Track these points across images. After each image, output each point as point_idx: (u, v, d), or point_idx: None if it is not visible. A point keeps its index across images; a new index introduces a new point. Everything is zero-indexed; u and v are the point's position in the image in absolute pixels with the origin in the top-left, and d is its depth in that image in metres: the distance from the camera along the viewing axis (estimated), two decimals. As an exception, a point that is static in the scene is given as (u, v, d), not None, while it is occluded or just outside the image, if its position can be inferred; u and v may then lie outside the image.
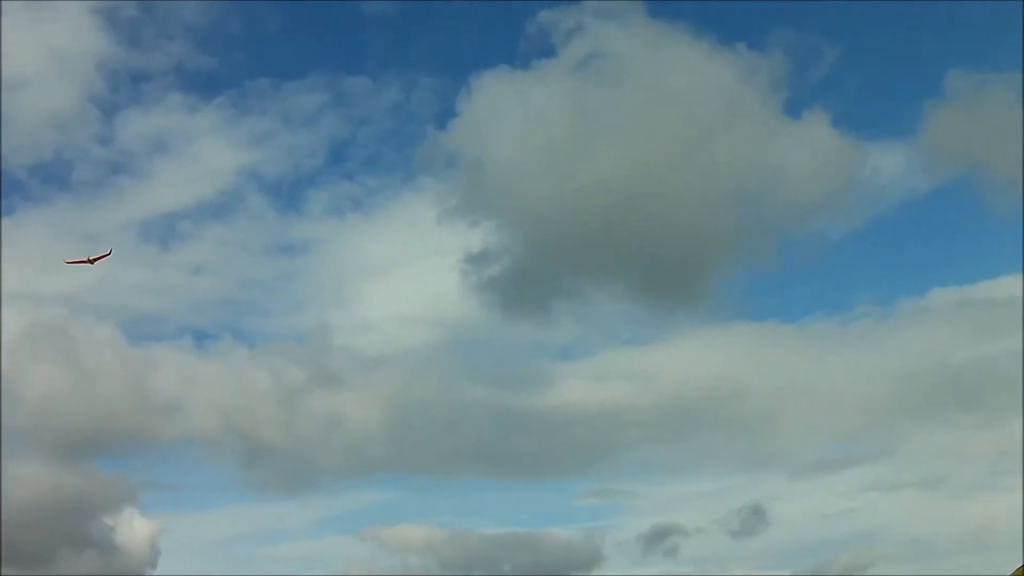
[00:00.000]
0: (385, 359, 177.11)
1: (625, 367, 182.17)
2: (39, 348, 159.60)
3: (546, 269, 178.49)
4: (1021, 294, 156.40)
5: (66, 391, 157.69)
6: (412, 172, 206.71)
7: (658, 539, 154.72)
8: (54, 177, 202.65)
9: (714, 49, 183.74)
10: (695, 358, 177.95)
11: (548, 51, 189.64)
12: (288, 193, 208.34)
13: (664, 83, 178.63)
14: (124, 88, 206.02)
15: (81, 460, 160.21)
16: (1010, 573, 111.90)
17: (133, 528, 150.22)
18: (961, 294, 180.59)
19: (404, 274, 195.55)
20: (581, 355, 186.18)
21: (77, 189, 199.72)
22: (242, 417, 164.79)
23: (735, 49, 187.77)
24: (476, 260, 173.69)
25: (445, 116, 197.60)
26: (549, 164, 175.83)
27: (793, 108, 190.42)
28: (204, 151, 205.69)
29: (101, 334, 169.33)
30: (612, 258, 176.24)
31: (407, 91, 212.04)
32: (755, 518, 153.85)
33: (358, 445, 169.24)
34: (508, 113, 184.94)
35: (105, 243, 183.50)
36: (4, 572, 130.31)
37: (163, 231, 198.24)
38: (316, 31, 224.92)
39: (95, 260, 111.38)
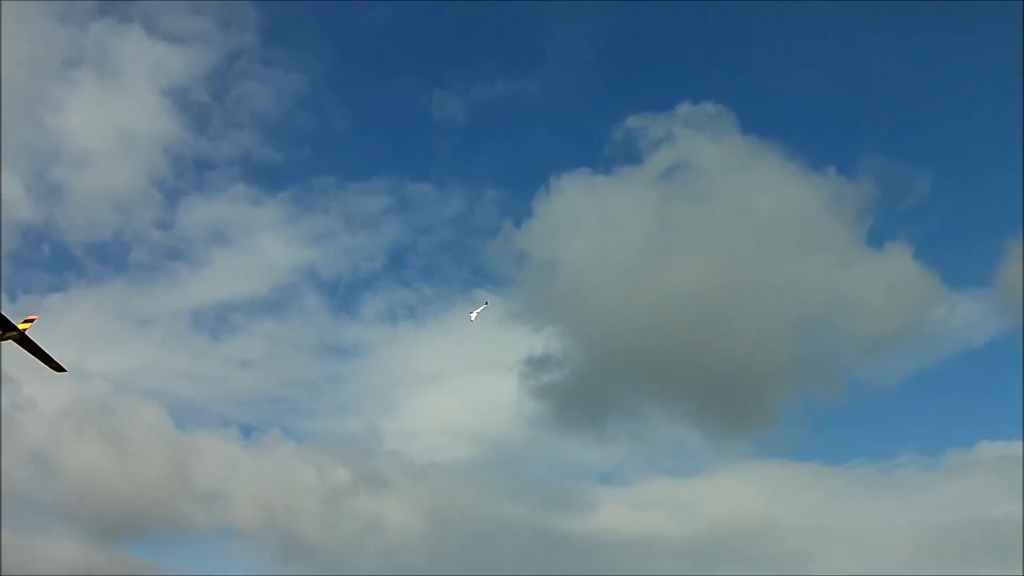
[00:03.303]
0: (431, 467, 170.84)
1: (665, 496, 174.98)
2: (83, 424, 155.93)
3: (605, 381, 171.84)
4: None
5: (106, 469, 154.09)
6: (469, 284, 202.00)
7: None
8: (110, 257, 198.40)
9: (803, 171, 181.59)
10: (735, 492, 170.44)
11: (633, 157, 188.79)
12: (343, 295, 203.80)
13: (748, 201, 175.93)
14: (188, 174, 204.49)
15: (112, 541, 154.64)
16: None
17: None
18: (1009, 449, 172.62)
19: (454, 385, 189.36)
20: (624, 481, 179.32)
21: (132, 271, 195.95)
22: (282, 512, 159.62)
23: (825, 173, 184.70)
24: (536, 364, 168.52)
25: (519, 218, 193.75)
26: (621, 273, 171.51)
27: (876, 238, 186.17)
28: (263, 245, 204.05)
29: (146, 415, 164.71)
30: (673, 376, 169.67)
31: (471, 202, 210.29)
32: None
33: (395, 551, 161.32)
34: (585, 217, 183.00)
35: (156, 328, 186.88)
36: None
37: (215, 321, 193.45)
38: (385, 133, 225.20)
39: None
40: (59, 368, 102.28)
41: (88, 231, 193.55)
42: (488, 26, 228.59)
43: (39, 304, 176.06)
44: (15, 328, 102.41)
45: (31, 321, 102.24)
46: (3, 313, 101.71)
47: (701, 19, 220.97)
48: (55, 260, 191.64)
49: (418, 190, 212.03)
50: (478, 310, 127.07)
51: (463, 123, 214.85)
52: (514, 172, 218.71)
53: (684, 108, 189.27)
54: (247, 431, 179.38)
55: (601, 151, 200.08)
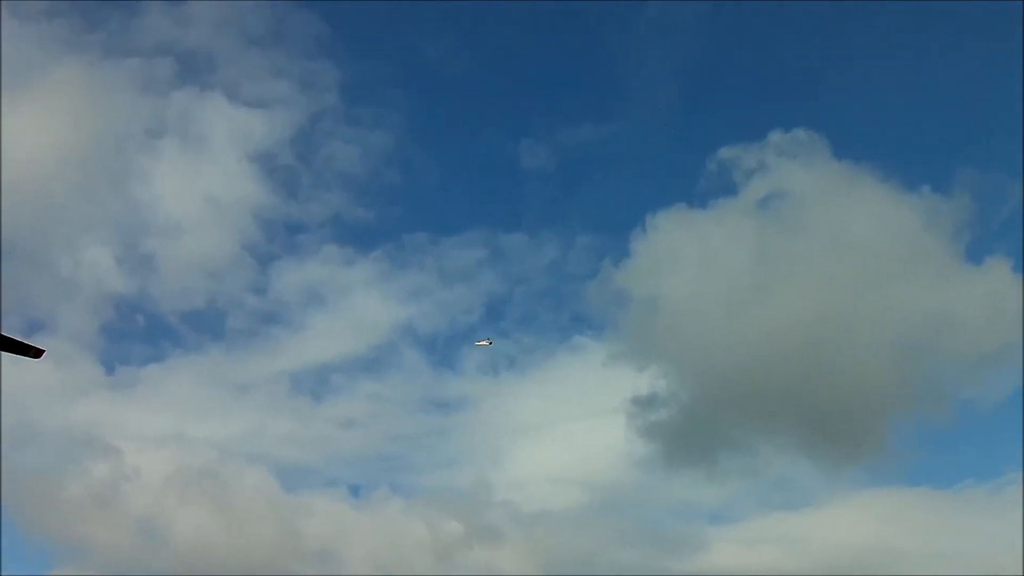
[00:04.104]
0: (543, 516, 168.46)
1: (777, 532, 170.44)
2: (189, 491, 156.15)
3: (712, 417, 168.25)
4: None
5: (216, 534, 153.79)
6: (568, 332, 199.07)
7: None
8: (206, 325, 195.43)
9: (898, 191, 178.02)
10: (847, 523, 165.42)
11: (728, 189, 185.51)
12: (443, 349, 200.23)
13: (844, 225, 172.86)
14: (279, 238, 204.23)
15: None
16: None
17: None
18: None
19: (561, 432, 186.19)
20: (735, 518, 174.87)
21: (230, 338, 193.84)
22: (395, 568, 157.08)
23: (919, 192, 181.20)
24: (643, 404, 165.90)
25: (617, 258, 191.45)
26: (722, 305, 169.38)
27: (975, 253, 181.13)
28: (359, 304, 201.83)
29: (253, 479, 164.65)
30: (780, 408, 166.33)
31: (565, 248, 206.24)
32: None
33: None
34: (683, 252, 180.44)
35: (257, 392, 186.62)
36: None
37: (315, 383, 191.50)
38: (474, 186, 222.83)
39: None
40: (37, 353, 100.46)
41: (182, 300, 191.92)
42: (569, 72, 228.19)
43: (137, 375, 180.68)
44: None
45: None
46: None
47: (784, 46, 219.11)
48: (151, 330, 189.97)
49: (511, 240, 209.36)
50: (483, 342, 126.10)
51: (552, 170, 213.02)
52: (608, 214, 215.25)
53: (775, 136, 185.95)
54: (355, 490, 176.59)
55: (695, 185, 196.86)
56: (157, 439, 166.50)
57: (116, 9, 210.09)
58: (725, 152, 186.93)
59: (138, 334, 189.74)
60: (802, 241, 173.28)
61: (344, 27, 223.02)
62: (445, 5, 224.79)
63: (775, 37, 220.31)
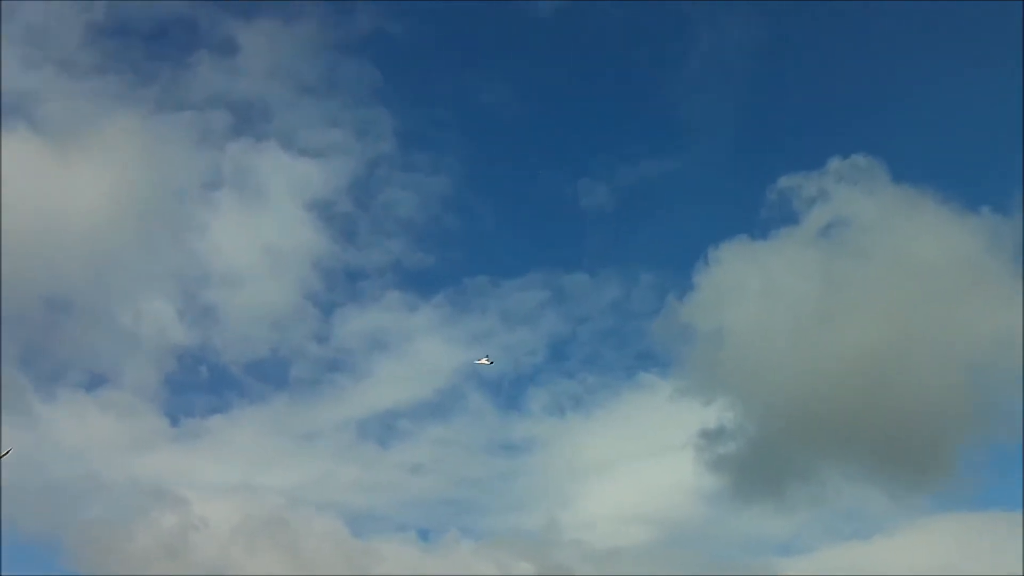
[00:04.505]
0: (613, 554, 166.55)
1: (848, 561, 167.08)
2: (258, 539, 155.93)
3: (781, 448, 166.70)
4: None
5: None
6: (633, 369, 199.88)
7: None
8: (270, 374, 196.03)
9: (958, 213, 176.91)
10: (919, 550, 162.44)
11: (789, 218, 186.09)
12: (508, 391, 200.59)
13: (907, 250, 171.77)
14: (341, 285, 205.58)
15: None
16: None
17: None
18: None
19: (629, 469, 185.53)
20: (805, 549, 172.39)
21: (294, 386, 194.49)
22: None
23: (979, 213, 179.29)
24: (710, 437, 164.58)
25: (681, 292, 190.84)
26: (787, 335, 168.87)
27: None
28: (423, 349, 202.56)
29: (322, 526, 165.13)
30: (848, 436, 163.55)
31: (627, 286, 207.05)
32: None
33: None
34: (747, 283, 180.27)
35: (324, 440, 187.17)
36: None
37: (382, 429, 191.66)
38: (534, 227, 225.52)
39: None
40: None
41: (245, 350, 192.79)
42: (625, 110, 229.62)
43: (202, 426, 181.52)
44: None
45: None
46: None
47: (838, 73, 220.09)
48: (215, 381, 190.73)
49: (573, 280, 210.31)
50: (483, 360, 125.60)
51: (611, 208, 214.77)
52: (669, 249, 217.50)
53: (835, 163, 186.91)
54: (424, 534, 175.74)
55: (756, 215, 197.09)
56: (224, 489, 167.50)
57: (167, 63, 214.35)
58: (785, 181, 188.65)
59: (202, 385, 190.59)
60: (864, 267, 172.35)
61: (397, 74, 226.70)
62: (498, 49, 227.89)
63: (829, 65, 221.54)
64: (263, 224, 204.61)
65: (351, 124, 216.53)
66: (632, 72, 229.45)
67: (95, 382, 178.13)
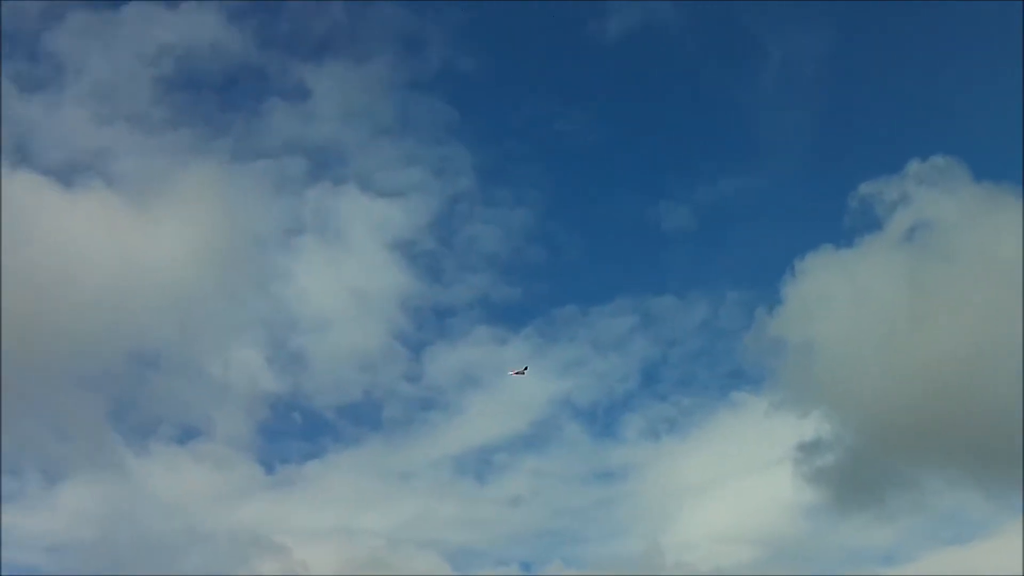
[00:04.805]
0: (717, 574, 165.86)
1: (951, 567, 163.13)
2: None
3: (879, 456, 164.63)
4: None
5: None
6: (726, 388, 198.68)
7: None
8: (363, 417, 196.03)
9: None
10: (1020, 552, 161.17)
11: (872, 225, 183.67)
12: (602, 419, 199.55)
13: (991, 249, 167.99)
14: (429, 324, 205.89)
15: None
16: None
17: None
18: None
19: (728, 489, 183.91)
20: (907, 558, 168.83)
21: (388, 427, 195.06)
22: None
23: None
24: (808, 449, 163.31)
25: (770, 307, 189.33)
26: (879, 342, 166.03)
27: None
28: (515, 382, 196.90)
29: (423, 564, 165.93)
30: (945, 440, 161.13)
31: (715, 305, 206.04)
32: None
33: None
34: (835, 293, 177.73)
35: (420, 479, 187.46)
36: None
37: (478, 465, 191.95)
38: (618, 253, 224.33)
39: None
40: None
41: (337, 394, 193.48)
42: (700, 130, 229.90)
43: (298, 472, 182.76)
44: None
45: None
46: None
47: (911, 74, 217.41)
48: (308, 427, 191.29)
49: (660, 303, 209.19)
50: (519, 370, 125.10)
51: (694, 229, 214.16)
52: (755, 265, 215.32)
53: (914, 166, 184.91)
54: (526, 567, 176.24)
55: (839, 224, 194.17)
56: (323, 533, 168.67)
57: (239, 112, 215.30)
58: (865, 188, 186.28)
59: (295, 431, 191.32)
60: (951, 268, 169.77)
61: (471, 109, 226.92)
62: (569, 77, 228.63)
63: (901, 67, 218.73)
64: (347, 267, 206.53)
65: (428, 162, 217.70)
66: (703, 91, 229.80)
67: (187, 434, 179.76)
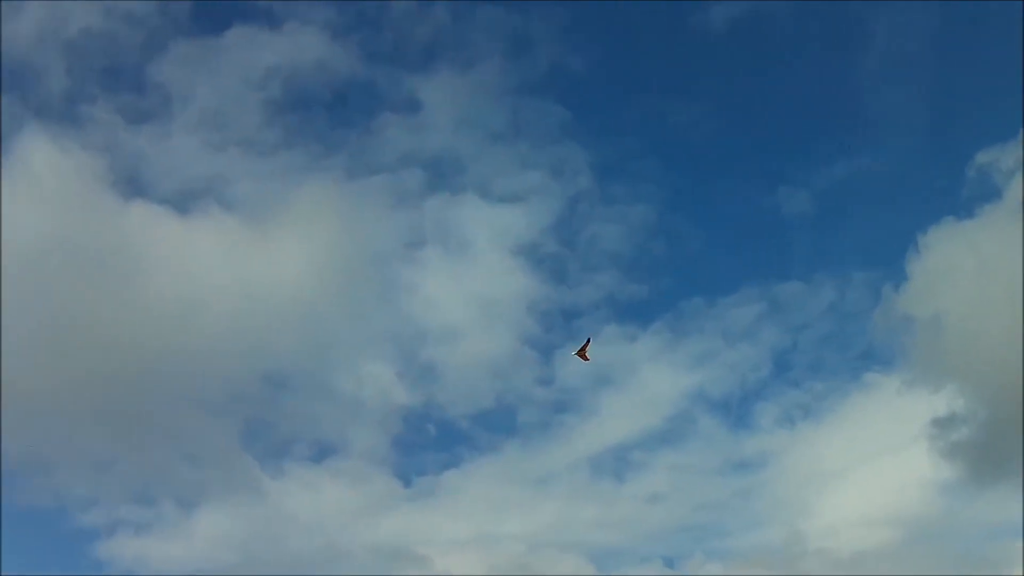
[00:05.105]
0: (859, 558, 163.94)
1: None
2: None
3: (1015, 428, 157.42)
4: None
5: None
6: (858, 370, 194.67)
7: None
8: (498, 424, 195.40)
9: None
10: None
11: (991, 194, 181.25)
12: (737, 410, 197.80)
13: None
14: (558, 326, 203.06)
15: None
16: None
17: None
18: None
19: (865, 471, 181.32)
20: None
21: (523, 432, 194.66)
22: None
23: None
24: (942, 424, 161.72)
25: (896, 284, 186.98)
26: (1007, 312, 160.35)
27: None
28: (647, 379, 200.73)
29: (567, 567, 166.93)
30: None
31: (841, 287, 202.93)
32: None
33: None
34: (959, 265, 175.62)
35: (558, 482, 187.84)
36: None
37: (615, 464, 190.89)
38: (740, 242, 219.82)
39: None
40: None
41: (470, 403, 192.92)
42: (811, 114, 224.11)
43: (436, 483, 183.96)
44: None
45: None
46: None
47: (1020, 36, 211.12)
48: (443, 438, 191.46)
49: (786, 290, 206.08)
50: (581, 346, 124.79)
51: (814, 212, 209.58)
52: (878, 244, 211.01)
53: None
54: (670, 562, 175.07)
55: (959, 195, 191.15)
56: (464, 541, 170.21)
57: (352, 129, 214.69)
58: (982, 157, 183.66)
59: (430, 443, 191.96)
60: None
61: (583, 108, 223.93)
62: (679, 69, 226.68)
63: (1009, 29, 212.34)
64: (472, 275, 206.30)
65: (545, 164, 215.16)
66: (811, 73, 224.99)
67: (322, 452, 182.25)
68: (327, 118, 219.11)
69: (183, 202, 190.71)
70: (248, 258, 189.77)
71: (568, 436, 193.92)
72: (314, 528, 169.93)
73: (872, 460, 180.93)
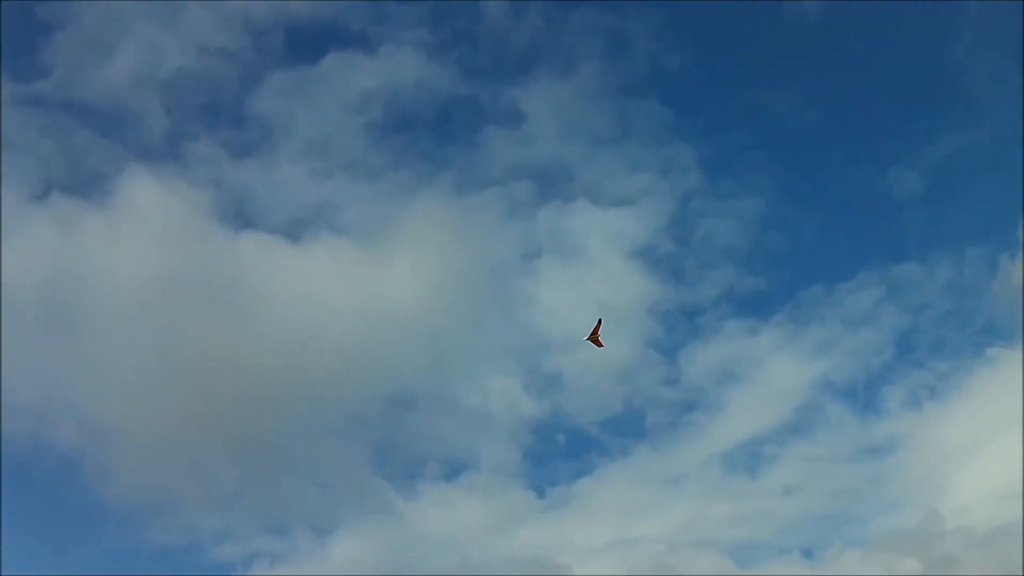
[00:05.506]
0: (996, 533, 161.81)
1: None
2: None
3: None
4: None
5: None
6: (980, 346, 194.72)
7: None
8: (627, 428, 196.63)
9: None
10: None
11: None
12: (863, 396, 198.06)
13: None
14: (680, 326, 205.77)
15: None
16: None
17: None
18: None
19: (995, 447, 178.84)
20: None
21: (653, 435, 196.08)
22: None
23: None
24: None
25: (1013, 253, 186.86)
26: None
27: None
28: (772, 371, 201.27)
29: (704, 565, 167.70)
30: None
31: (957, 264, 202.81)
32: None
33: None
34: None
35: (691, 481, 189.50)
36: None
37: (747, 458, 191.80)
38: (854, 226, 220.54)
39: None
40: None
41: (598, 409, 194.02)
42: (913, 92, 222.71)
43: (569, 492, 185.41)
44: None
45: None
46: None
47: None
48: (573, 446, 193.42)
49: (903, 271, 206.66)
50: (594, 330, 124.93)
51: (924, 191, 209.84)
52: (989, 217, 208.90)
53: None
54: (808, 552, 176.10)
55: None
56: (601, 547, 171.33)
57: (458, 145, 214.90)
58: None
59: (561, 452, 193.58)
60: None
61: (685, 105, 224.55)
62: (777, 60, 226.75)
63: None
64: (590, 282, 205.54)
65: (653, 165, 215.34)
66: (909, 53, 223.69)
67: (454, 470, 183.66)
68: (431, 137, 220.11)
69: (294, 230, 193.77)
70: (364, 281, 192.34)
71: (698, 434, 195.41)
72: (450, 545, 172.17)
73: (1001, 434, 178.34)
